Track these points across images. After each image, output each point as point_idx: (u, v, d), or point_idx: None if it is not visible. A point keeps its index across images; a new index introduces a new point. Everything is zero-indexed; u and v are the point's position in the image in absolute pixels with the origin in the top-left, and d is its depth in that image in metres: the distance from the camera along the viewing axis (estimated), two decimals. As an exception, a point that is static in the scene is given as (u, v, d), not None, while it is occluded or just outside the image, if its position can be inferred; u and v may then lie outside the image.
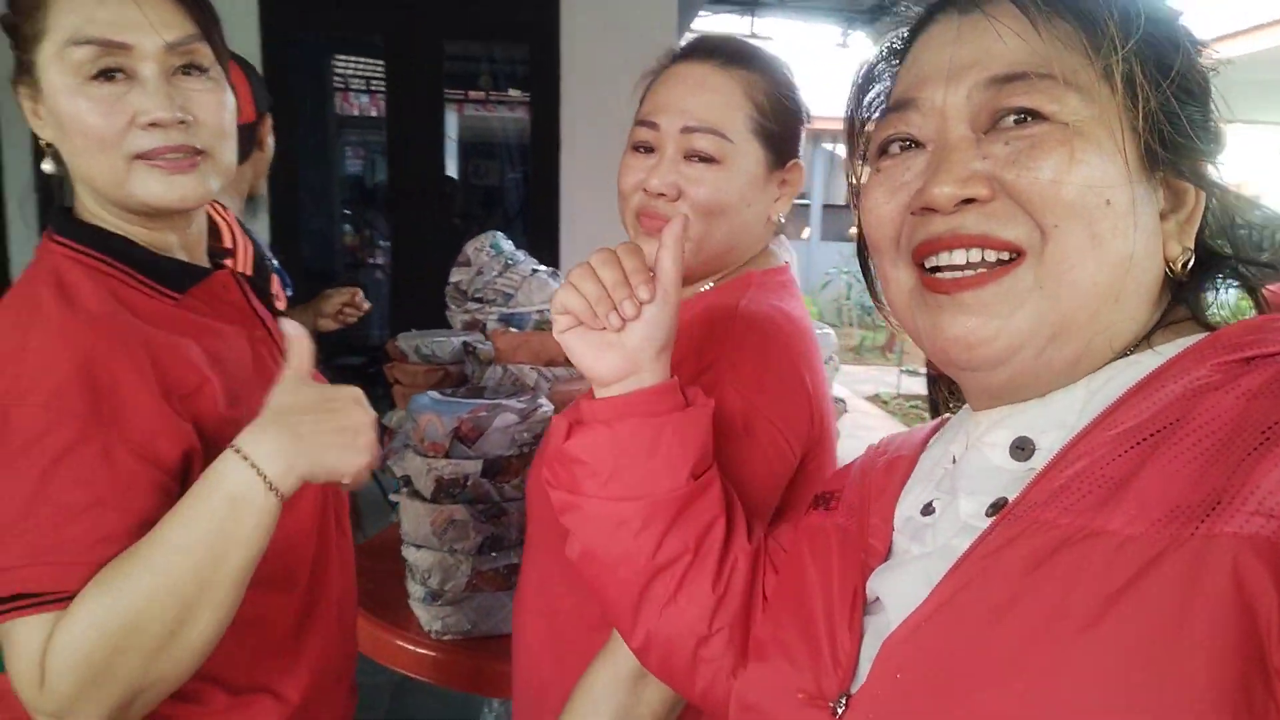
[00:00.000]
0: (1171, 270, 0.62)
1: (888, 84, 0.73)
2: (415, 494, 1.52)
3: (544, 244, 4.21)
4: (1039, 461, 0.60)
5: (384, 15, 4.16)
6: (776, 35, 8.35)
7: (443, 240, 4.32)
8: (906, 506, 0.72)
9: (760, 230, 1.14)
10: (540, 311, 2.59)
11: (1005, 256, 0.59)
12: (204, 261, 1.06)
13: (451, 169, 6.61)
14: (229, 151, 0.99)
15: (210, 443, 0.90)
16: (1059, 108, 0.58)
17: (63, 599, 0.80)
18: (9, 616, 0.79)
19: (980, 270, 0.60)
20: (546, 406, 1.61)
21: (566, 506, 0.85)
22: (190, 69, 0.96)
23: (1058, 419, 0.61)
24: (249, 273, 1.11)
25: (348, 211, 6.91)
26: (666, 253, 0.82)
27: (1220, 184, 0.62)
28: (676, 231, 0.83)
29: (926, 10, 0.69)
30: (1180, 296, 0.63)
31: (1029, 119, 0.59)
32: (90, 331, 0.87)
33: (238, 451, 0.82)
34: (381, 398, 1.98)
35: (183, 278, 0.99)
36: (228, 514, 0.82)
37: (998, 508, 0.60)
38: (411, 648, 1.54)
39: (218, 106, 0.97)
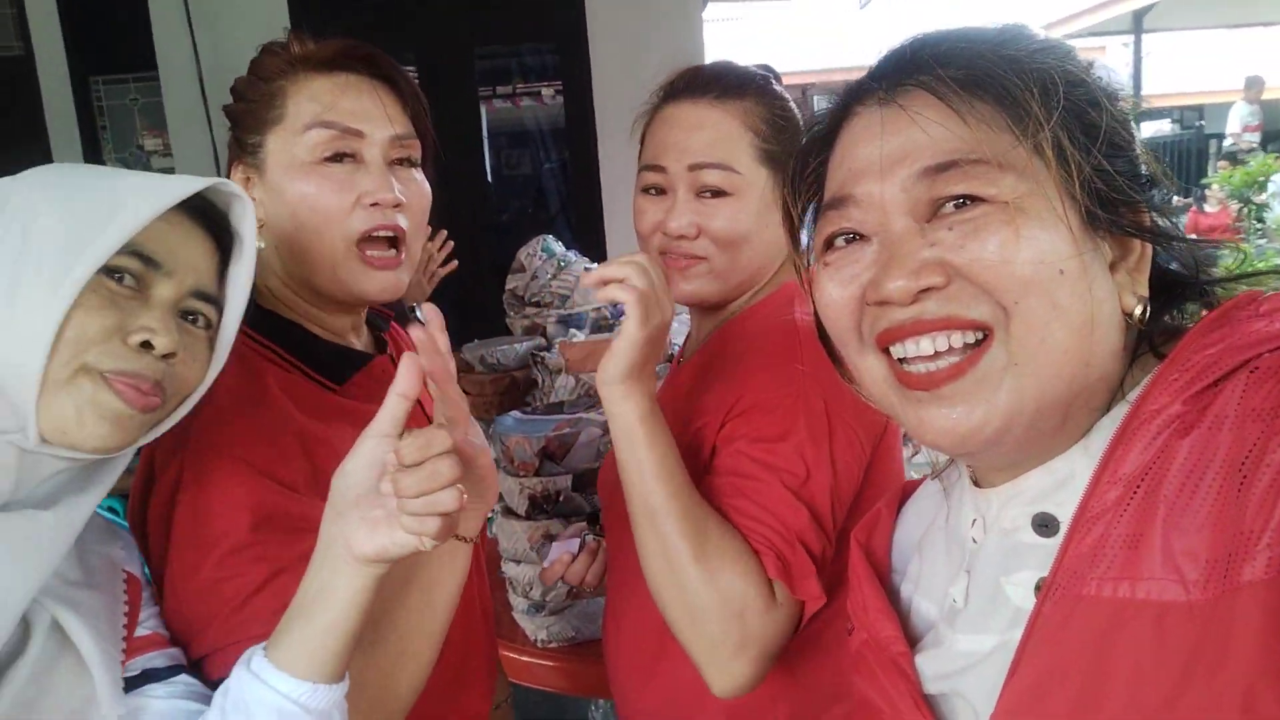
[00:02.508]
0: (1130, 319, 0.62)
1: (819, 175, 0.73)
2: (510, 512, 1.58)
3: (589, 236, 4.25)
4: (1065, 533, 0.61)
5: (415, 28, 4.20)
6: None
7: (490, 243, 4.38)
8: (928, 587, 0.73)
9: (781, 245, 1.18)
10: (597, 310, 2.64)
11: (971, 339, 0.60)
12: (364, 338, 1.14)
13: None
14: (420, 244, 1.09)
15: None
16: (996, 189, 0.59)
17: None
18: None
19: (952, 360, 0.60)
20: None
21: None
22: (404, 161, 1.05)
23: (1069, 489, 0.61)
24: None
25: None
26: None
27: (1161, 229, 0.62)
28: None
29: (844, 102, 0.69)
30: (1145, 335, 0.63)
31: (968, 202, 0.60)
32: (258, 433, 0.93)
33: None
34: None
35: (344, 367, 1.07)
36: (431, 564, 0.92)
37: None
38: (519, 657, 1.62)
39: (421, 197, 1.07)
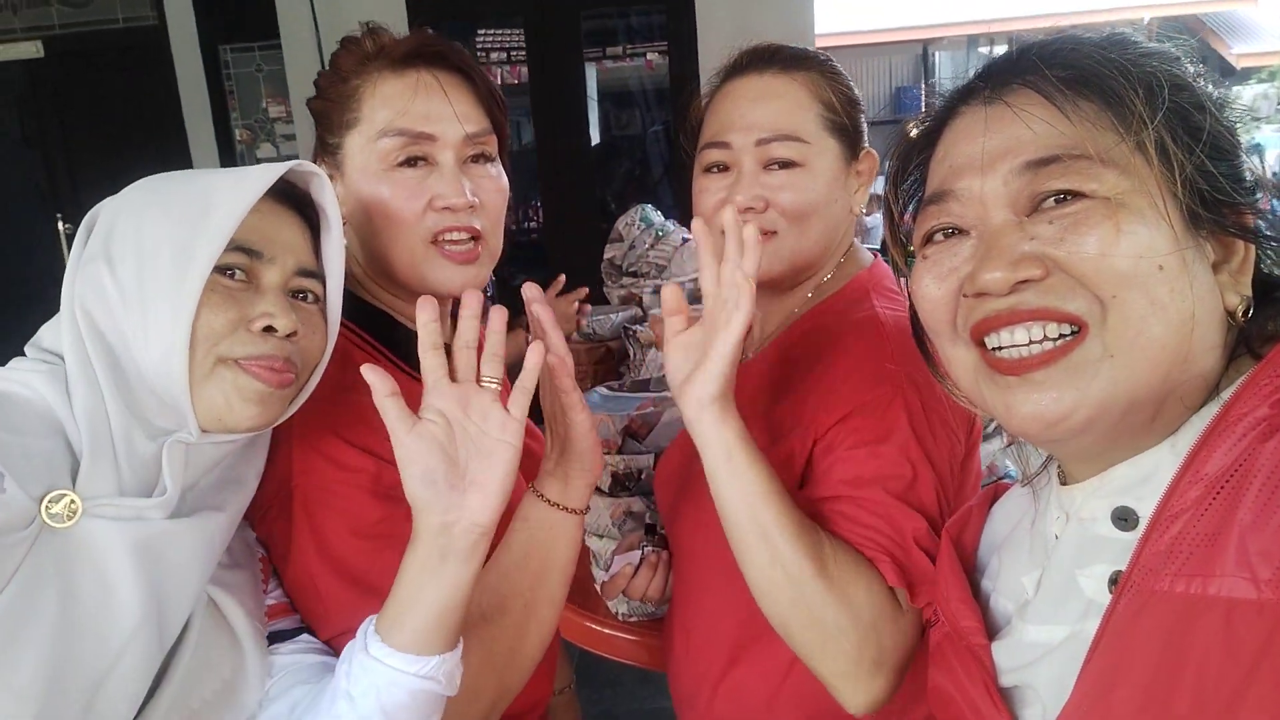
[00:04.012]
0: (1233, 319, 0.61)
1: (920, 173, 0.74)
2: (594, 487, 1.60)
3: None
4: (1143, 529, 0.60)
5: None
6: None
7: (592, 207, 4.41)
8: (1006, 582, 0.74)
9: (847, 224, 1.15)
10: (693, 280, 2.63)
11: (1066, 331, 0.60)
12: (446, 330, 1.15)
13: (594, 125, 6.67)
14: (499, 239, 1.09)
15: None
16: (1098, 185, 0.59)
17: None
18: None
19: (1046, 347, 0.61)
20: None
21: None
22: (479, 158, 1.05)
23: (1152, 485, 0.61)
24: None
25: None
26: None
27: (1265, 231, 0.62)
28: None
29: (949, 102, 0.70)
30: (1244, 336, 0.62)
31: (1069, 198, 0.60)
32: (354, 414, 0.96)
33: (535, 493, 0.98)
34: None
35: None
36: (543, 541, 0.97)
37: (1116, 582, 0.61)
38: (601, 629, 1.65)
39: (497, 193, 1.07)
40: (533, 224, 6.09)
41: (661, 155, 5.14)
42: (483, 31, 6.30)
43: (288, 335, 0.84)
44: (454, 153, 1.02)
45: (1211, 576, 0.53)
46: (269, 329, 0.83)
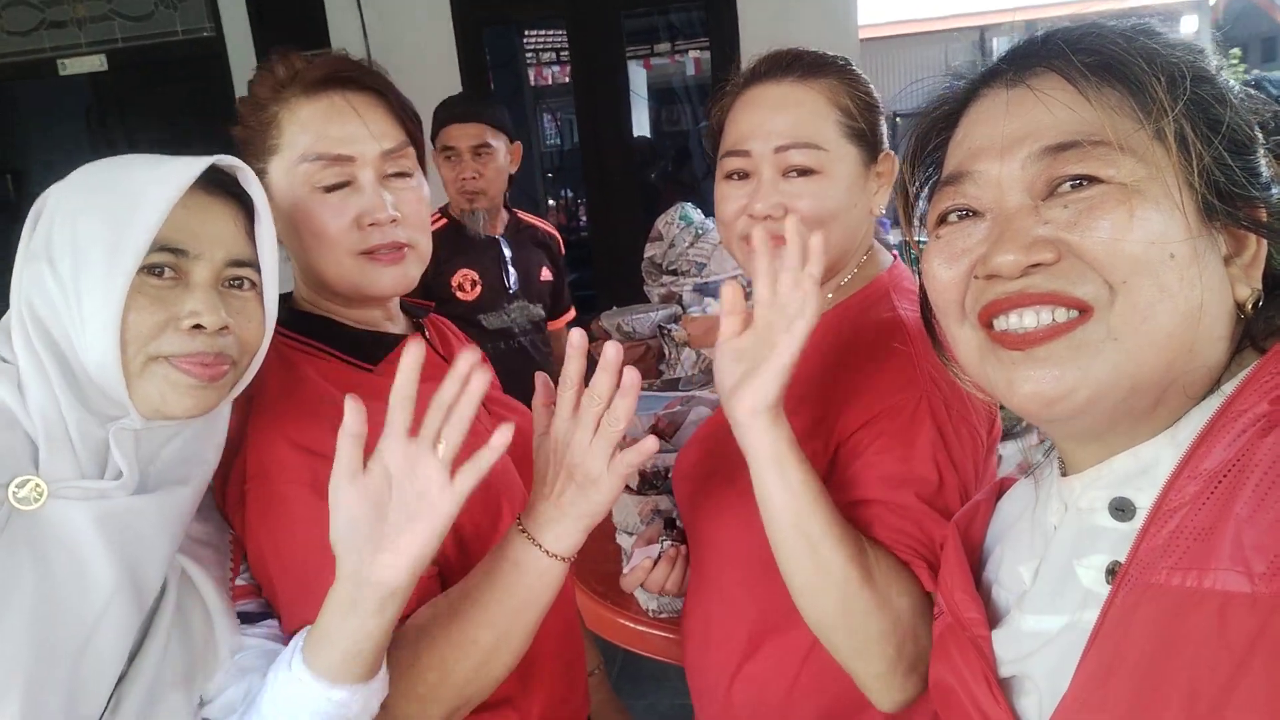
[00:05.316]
0: (1243, 311, 0.62)
1: (938, 153, 0.74)
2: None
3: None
4: (1141, 521, 0.61)
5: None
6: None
7: (636, 205, 4.42)
8: (1005, 573, 0.74)
9: (866, 226, 1.16)
10: (733, 278, 2.62)
11: (1073, 315, 0.61)
12: (400, 324, 1.19)
13: (642, 123, 6.68)
14: (427, 243, 1.12)
15: None
16: (1115, 171, 0.59)
17: None
18: None
19: (1050, 326, 0.61)
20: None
21: None
22: (399, 174, 1.08)
23: (1151, 476, 0.61)
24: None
25: (549, 175, 7.19)
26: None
27: (1277, 227, 0.61)
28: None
29: (971, 84, 0.70)
30: (1250, 331, 0.62)
31: (1085, 183, 0.60)
32: (301, 414, 0.99)
33: (531, 540, 0.92)
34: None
35: (376, 350, 1.12)
36: (533, 587, 0.93)
37: (1113, 572, 0.62)
38: (634, 626, 1.67)
39: (419, 203, 1.10)
40: (581, 221, 6.14)
41: (705, 153, 5.14)
42: (530, 33, 6.38)
43: (218, 330, 0.86)
44: (373, 170, 1.05)
45: (1206, 570, 0.53)
46: (198, 325, 0.84)
